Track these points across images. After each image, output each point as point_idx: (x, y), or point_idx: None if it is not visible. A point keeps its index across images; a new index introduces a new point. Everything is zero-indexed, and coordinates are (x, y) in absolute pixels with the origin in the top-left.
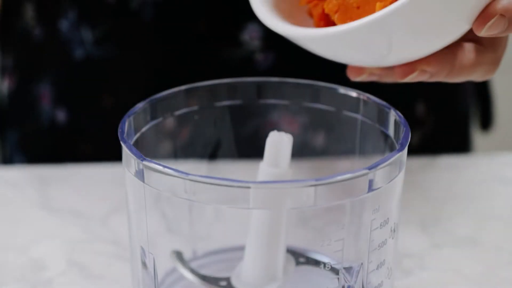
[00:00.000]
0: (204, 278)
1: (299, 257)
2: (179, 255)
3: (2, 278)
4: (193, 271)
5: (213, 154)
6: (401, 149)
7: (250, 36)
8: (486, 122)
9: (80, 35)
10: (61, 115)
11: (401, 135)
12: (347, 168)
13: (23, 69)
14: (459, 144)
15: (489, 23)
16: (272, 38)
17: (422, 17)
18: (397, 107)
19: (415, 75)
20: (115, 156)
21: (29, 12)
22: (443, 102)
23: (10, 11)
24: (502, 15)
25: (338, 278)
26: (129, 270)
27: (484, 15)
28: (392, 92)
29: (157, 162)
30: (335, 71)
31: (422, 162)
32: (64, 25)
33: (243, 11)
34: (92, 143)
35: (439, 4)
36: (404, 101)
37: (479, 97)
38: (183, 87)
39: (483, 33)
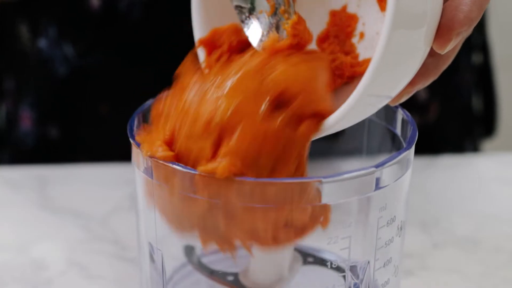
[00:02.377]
0: (212, 272)
1: (306, 255)
2: (190, 250)
3: (2, 278)
4: (201, 265)
5: None
6: (408, 148)
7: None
8: (491, 128)
9: (62, 52)
10: (52, 133)
11: (409, 133)
12: (354, 167)
13: (21, 91)
14: (463, 137)
15: (451, 43)
16: None
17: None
18: None
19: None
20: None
21: (25, 34)
22: (444, 89)
23: (6, 33)
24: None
25: (345, 276)
26: (129, 270)
27: (443, 38)
28: None
29: (166, 159)
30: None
31: (422, 162)
32: (43, 43)
33: None
34: (87, 156)
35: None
36: None
37: (485, 102)
38: None
39: (446, 50)
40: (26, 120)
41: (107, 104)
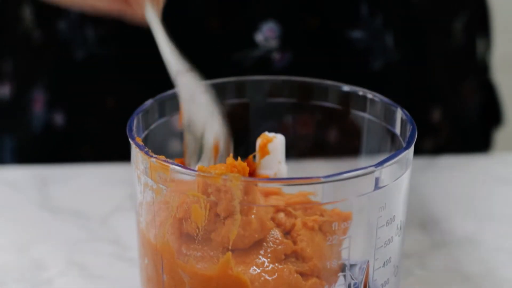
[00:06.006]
0: None
1: None
2: None
3: (2, 278)
4: None
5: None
6: (407, 147)
7: (265, 36)
8: (498, 118)
9: (83, 35)
10: (58, 119)
11: (408, 133)
12: (354, 166)
13: (22, 74)
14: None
15: None
16: (289, 37)
17: None
18: (411, 112)
19: None
20: (116, 158)
21: (28, 16)
22: (457, 108)
23: (8, 15)
24: None
25: (345, 275)
26: (129, 270)
27: None
28: (408, 97)
29: (165, 159)
30: (353, 70)
31: (422, 162)
32: (62, 26)
33: (258, 11)
34: (92, 145)
35: None
36: (419, 106)
37: (486, 96)
38: None
39: None
40: (39, 103)
41: (114, 97)
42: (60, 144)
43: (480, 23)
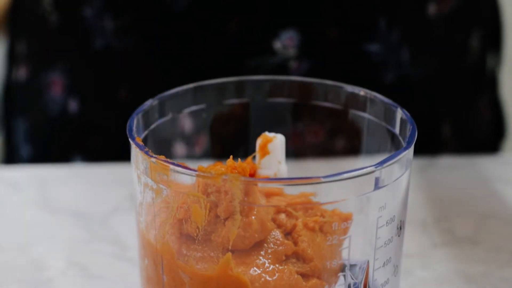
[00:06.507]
0: None
1: None
2: None
3: (2, 278)
4: None
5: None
6: (407, 147)
7: (284, 44)
8: (502, 130)
9: (102, 25)
10: (73, 105)
11: (408, 133)
12: (354, 166)
13: (37, 56)
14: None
15: None
16: (308, 46)
17: None
18: (422, 128)
19: None
20: (123, 151)
21: None
22: (468, 123)
23: None
24: None
25: (344, 276)
26: (129, 270)
27: None
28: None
29: (165, 159)
30: (368, 83)
31: (422, 162)
32: (88, 12)
33: (278, 19)
34: (102, 135)
35: None
36: (429, 122)
37: (493, 111)
38: (191, 85)
39: None
40: (58, 87)
41: (126, 89)
42: (71, 130)
43: (492, 39)
